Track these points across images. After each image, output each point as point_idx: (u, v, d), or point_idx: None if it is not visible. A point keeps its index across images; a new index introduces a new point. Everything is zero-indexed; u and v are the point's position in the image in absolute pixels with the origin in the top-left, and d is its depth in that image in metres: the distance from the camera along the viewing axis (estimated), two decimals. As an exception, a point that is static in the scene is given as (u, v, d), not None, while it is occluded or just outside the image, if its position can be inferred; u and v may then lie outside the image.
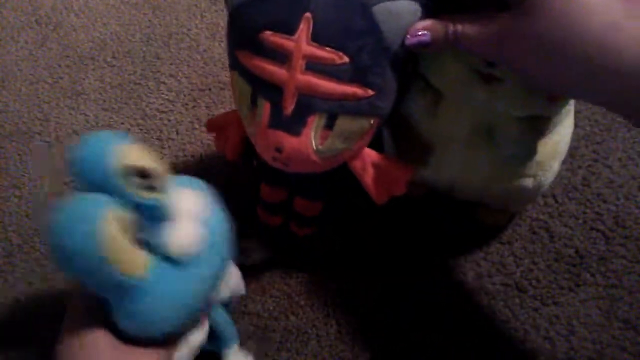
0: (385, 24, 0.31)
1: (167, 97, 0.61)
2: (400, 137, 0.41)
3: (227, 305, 0.41)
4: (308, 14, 0.31)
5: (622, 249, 0.46)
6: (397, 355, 0.44)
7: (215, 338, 0.40)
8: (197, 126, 0.59)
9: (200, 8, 0.69)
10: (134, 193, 0.30)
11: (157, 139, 0.58)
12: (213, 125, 0.45)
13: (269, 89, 0.33)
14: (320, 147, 0.35)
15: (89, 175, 0.29)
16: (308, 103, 0.33)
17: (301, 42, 0.31)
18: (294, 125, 0.34)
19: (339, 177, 0.40)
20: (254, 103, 0.35)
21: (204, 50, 0.65)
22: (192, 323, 0.34)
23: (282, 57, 0.32)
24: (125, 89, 0.63)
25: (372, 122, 0.35)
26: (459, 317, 0.44)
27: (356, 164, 0.38)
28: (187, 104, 0.60)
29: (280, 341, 0.45)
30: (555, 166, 0.39)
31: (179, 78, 0.63)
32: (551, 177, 0.40)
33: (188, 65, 0.64)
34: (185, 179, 0.34)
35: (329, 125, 0.34)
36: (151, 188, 0.30)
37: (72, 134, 0.60)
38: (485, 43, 0.30)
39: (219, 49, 0.64)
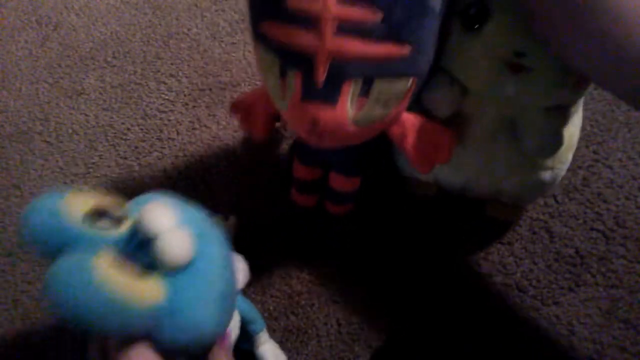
0: None
1: (167, 97, 0.61)
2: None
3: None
4: None
5: (622, 249, 0.46)
6: (397, 356, 0.44)
7: (243, 331, 0.40)
8: (197, 126, 0.59)
9: (200, 8, 0.69)
10: (103, 235, 0.30)
11: (158, 138, 0.58)
12: (238, 106, 0.42)
13: (299, 59, 0.30)
14: (357, 116, 0.32)
15: (54, 239, 0.29)
16: (342, 69, 0.30)
17: (329, 3, 0.28)
18: (329, 95, 0.31)
19: (376, 150, 0.38)
20: (283, 75, 0.32)
21: (204, 50, 0.65)
22: (230, 316, 0.34)
23: (309, 22, 0.29)
24: (126, 89, 0.63)
25: (410, 82, 0.32)
26: (460, 317, 0.44)
27: (395, 131, 0.36)
28: (187, 104, 0.60)
29: (281, 341, 0.45)
30: (570, 158, 0.39)
31: (179, 78, 0.63)
32: (565, 168, 0.40)
33: (188, 65, 0.64)
34: (142, 197, 0.34)
35: (366, 91, 0.31)
36: (116, 221, 0.31)
37: (72, 134, 0.60)
38: None
39: (219, 49, 0.64)
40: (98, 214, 0.31)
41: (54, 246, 0.29)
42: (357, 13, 0.28)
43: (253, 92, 0.41)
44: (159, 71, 0.64)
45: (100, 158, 0.58)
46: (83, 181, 0.56)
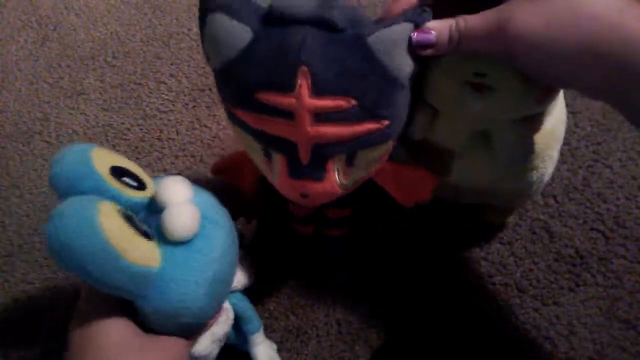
0: (384, 55, 0.29)
1: (167, 97, 0.61)
2: (416, 150, 0.41)
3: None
4: (304, 68, 0.28)
5: (622, 249, 0.46)
6: (397, 355, 0.44)
7: (240, 330, 0.40)
8: (197, 126, 0.59)
9: (200, 8, 0.69)
10: (125, 193, 0.31)
11: (157, 139, 0.58)
12: (220, 169, 0.43)
13: (281, 144, 0.31)
14: (344, 182, 0.34)
15: (79, 184, 0.30)
16: (324, 150, 0.31)
17: (303, 98, 0.28)
18: (315, 172, 0.32)
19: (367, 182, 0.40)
20: (267, 156, 0.33)
21: (204, 50, 0.65)
22: (217, 305, 0.34)
23: (285, 114, 0.29)
24: (126, 89, 0.63)
25: (389, 144, 0.34)
26: (460, 317, 0.44)
27: (377, 178, 0.38)
28: (187, 104, 0.60)
29: (281, 341, 0.45)
30: (554, 155, 0.40)
31: (179, 78, 0.63)
32: (552, 166, 0.40)
33: (188, 65, 0.64)
34: (169, 175, 0.35)
35: (350, 162, 0.33)
36: (136, 187, 0.32)
37: (72, 134, 0.60)
38: (487, 34, 0.29)
39: (219, 49, 0.64)
40: (122, 172, 0.31)
41: (78, 191, 0.29)
42: (331, 103, 0.29)
43: (235, 156, 0.42)
44: (159, 71, 0.64)
45: (100, 158, 0.58)
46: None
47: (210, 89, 0.61)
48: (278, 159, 0.33)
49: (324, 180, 0.33)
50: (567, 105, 0.51)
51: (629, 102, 0.28)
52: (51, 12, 0.72)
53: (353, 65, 0.29)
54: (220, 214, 0.34)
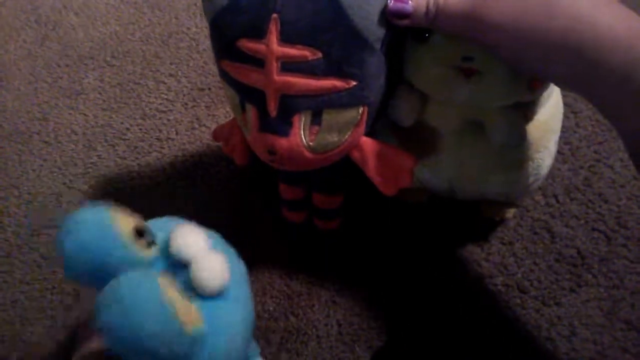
0: (352, 10, 0.30)
1: (166, 96, 0.61)
2: (405, 131, 0.40)
3: None
4: (275, 15, 0.31)
5: (623, 250, 0.45)
6: (397, 356, 0.43)
7: None
8: (196, 126, 0.58)
9: (199, 7, 0.69)
10: (150, 255, 0.29)
11: (157, 138, 0.58)
12: (218, 134, 0.45)
13: (253, 94, 0.34)
14: (312, 143, 0.35)
15: (100, 257, 0.27)
16: (290, 103, 0.33)
17: (272, 44, 0.31)
18: (281, 126, 0.34)
19: (355, 167, 0.39)
20: (243, 109, 0.36)
21: (204, 50, 0.65)
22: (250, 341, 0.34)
23: (257, 61, 0.32)
24: (125, 89, 0.63)
25: (360, 110, 0.34)
26: (460, 317, 0.44)
27: (355, 155, 0.38)
28: (186, 104, 0.60)
29: (280, 342, 0.45)
30: (551, 146, 0.40)
31: (178, 77, 0.63)
32: (549, 158, 0.40)
33: (188, 65, 0.64)
34: (161, 221, 0.33)
35: (317, 121, 0.34)
36: (150, 243, 0.29)
37: (71, 134, 0.60)
38: (462, 14, 0.29)
39: (219, 49, 0.64)
40: (142, 232, 0.29)
41: (96, 264, 0.27)
42: (297, 52, 0.31)
43: (231, 121, 0.43)
44: (158, 71, 0.64)
45: (99, 158, 0.58)
46: (82, 181, 0.56)
47: (210, 89, 0.61)
48: (251, 112, 0.35)
49: (289, 136, 0.34)
50: (568, 105, 0.51)
51: (602, 97, 0.28)
52: (50, 12, 0.72)
53: (322, 18, 0.31)
54: (229, 250, 0.33)
